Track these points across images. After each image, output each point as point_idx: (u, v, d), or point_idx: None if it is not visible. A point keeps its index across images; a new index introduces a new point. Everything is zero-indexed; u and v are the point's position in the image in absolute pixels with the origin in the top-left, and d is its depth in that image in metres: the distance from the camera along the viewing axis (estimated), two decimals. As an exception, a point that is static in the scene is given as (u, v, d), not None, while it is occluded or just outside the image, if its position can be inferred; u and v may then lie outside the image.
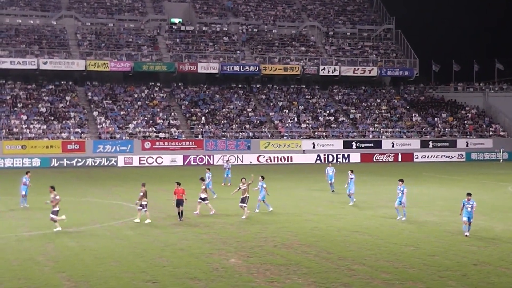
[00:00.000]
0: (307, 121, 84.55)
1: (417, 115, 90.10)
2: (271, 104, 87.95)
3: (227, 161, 55.93)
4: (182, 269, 21.64)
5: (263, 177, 35.51)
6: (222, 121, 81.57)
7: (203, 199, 33.89)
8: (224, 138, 77.91)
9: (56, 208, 28.96)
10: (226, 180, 49.98)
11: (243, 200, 32.45)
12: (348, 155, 78.77)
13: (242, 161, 74.79)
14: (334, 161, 76.61)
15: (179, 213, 31.53)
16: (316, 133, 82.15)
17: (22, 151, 70.04)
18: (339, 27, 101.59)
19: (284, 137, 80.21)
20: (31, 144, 70.81)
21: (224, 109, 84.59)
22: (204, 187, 34.28)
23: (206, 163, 72.54)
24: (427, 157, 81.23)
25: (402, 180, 32.25)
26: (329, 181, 44.28)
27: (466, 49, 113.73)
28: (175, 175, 49.17)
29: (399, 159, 79.81)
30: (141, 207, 31.18)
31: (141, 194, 31.20)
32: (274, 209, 35.80)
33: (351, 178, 38.26)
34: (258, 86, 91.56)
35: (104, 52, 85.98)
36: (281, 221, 31.82)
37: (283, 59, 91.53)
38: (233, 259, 23.27)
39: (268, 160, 76.07)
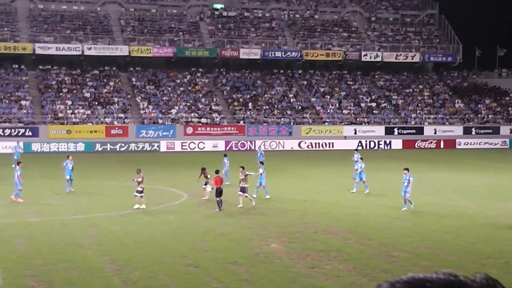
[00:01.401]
0: (349, 107, 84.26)
1: (460, 102, 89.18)
2: (313, 90, 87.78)
3: (259, 147, 55.86)
4: (223, 254, 21.83)
5: (262, 163, 35.63)
6: (264, 107, 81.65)
7: (205, 184, 33.90)
8: (266, 124, 77.97)
9: None
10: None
11: (242, 190, 31.66)
12: (390, 142, 78.35)
13: (283, 147, 74.83)
14: (376, 147, 76.48)
15: (218, 202, 30.67)
16: (357, 119, 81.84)
17: (67, 135, 70.97)
18: (382, 13, 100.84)
19: (326, 123, 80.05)
20: (76, 129, 71.73)
21: (265, 95, 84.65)
22: (207, 175, 34.11)
23: (248, 148, 72.77)
24: (470, 144, 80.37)
25: (407, 169, 31.23)
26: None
27: (510, 34, 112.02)
28: (217, 160, 49.42)
29: (441, 146, 79.09)
30: (141, 194, 30.99)
31: (140, 179, 31.06)
32: (315, 195, 35.90)
33: (361, 166, 37.78)
34: (299, 71, 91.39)
35: (147, 37, 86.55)
36: (322, 207, 31.87)
37: (325, 45, 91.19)
38: (273, 244, 23.40)
39: (309, 146, 75.98)
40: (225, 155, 42.88)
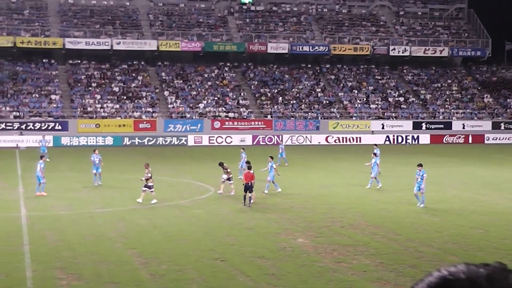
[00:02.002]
0: (377, 102, 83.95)
1: (488, 96, 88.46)
2: (341, 84, 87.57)
3: (281, 141, 55.59)
4: (250, 248, 21.94)
5: (272, 157, 35.50)
6: (291, 101, 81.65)
7: (228, 179, 33.82)
8: (293, 118, 77.96)
9: None
10: (282, 160, 49.69)
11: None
12: (418, 137, 77.96)
13: (310, 142, 74.79)
14: (404, 142, 76.27)
15: (245, 197, 30.48)
16: (385, 113, 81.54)
17: (95, 129, 71.52)
18: (410, 7, 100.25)
19: (353, 118, 79.85)
20: (105, 123, 72.25)
21: (293, 89, 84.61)
22: (227, 168, 34.01)
23: (275, 143, 72.76)
24: (499, 139, 79.69)
25: (421, 165, 30.72)
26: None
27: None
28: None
29: (470, 141, 78.52)
30: (146, 188, 30.91)
31: (150, 175, 31.05)
32: (342, 190, 35.87)
33: (375, 162, 37.38)
34: (327, 66, 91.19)
35: (175, 32, 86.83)
36: (349, 202, 31.84)
37: (353, 39, 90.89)
38: (300, 238, 23.48)
39: (337, 141, 75.82)
40: (243, 149, 42.59)
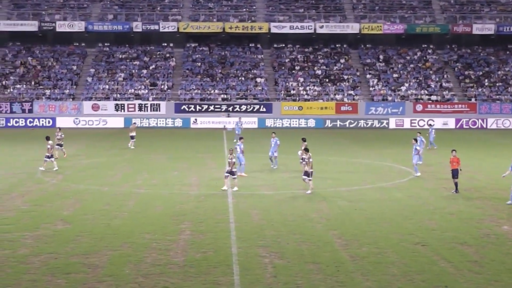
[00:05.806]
0: None
1: None
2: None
3: (430, 124, 52.99)
4: (451, 233, 21.69)
5: (416, 140, 34.89)
6: (497, 84, 78.83)
7: (303, 159, 32.01)
8: (499, 102, 75.27)
9: (48, 154, 36.52)
10: (431, 144, 48.09)
11: (306, 173, 29.49)
12: None
13: (516, 126, 72.20)
14: None
15: (456, 184, 29.34)
16: None
17: (298, 112, 72.98)
18: None
19: None
20: (307, 106, 73.53)
21: (499, 72, 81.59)
22: (303, 147, 32.87)
23: (479, 126, 70.85)
24: None
25: None
26: None
27: None
28: (446, 138, 48.73)
29: None
30: (229, 174, 30.10)
31: (234, 160, 30.32)
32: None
33: None
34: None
35: (378, 15, 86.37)
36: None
37: None
38: (505, 226, 22.90)
39: (544, 125, 72.28)
40: (419, 133, 40.16)
